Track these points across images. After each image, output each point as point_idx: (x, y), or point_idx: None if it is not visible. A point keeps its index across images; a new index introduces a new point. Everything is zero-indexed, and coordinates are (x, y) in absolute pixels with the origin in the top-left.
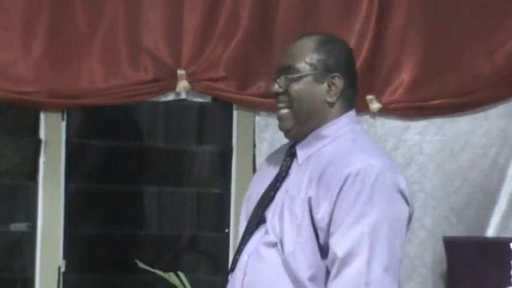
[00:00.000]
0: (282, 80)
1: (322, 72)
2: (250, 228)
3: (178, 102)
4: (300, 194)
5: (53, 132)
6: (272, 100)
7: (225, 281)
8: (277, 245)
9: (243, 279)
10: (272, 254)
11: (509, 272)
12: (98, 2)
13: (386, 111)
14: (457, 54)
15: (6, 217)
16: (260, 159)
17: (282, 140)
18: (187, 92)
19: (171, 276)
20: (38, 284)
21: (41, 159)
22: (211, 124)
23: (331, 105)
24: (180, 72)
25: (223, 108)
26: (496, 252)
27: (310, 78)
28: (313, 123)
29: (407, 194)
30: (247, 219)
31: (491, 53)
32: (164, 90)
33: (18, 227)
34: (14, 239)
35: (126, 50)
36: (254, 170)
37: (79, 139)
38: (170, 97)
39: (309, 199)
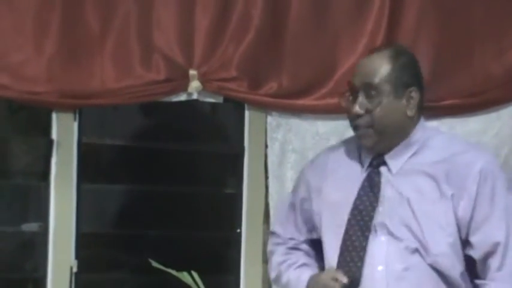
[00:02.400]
0: (362, 100)
1: (400, 88)
2: (359, 237)
3: (190, 102)
4: (431, 196)
5: (65, 132)
6: (284, 100)
7: None
8: (419, 250)
9: None
10: (415, 260)
11: None
12: (109, 2)
13: None
14: (468, 55)
15: (18, 217)
16: (272, 159)
17: (294, 140)
18: (199, 92)
19: (184, 276)
20: (50, 284)
21: (53, 160)
22: (223, 124)
23: (412, 118)
24: (192, 72)
25: (235, 108)
26: None
27: (391, 96)
28: (396, 137)
29: None
30: (334, 224)
31: (502, 53)
32: (176, 91)
33: (30, 227)
34: (25, 239)
35: (138, 50)
36: (266, 170)
37: (91, 139)
38: (182, 97)
39: (452, 196)
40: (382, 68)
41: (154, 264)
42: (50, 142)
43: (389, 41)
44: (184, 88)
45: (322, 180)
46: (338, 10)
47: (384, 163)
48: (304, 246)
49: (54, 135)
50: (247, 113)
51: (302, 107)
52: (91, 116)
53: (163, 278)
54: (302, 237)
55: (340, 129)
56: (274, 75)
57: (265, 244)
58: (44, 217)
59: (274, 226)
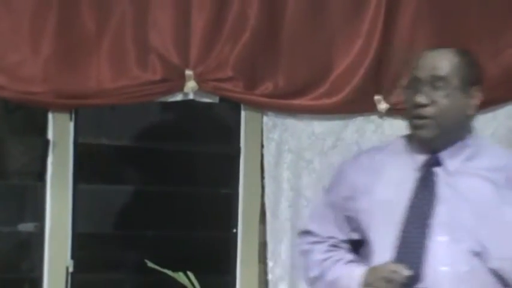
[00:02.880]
0: (427, 91)
1: (467, 84)
2: (417, 237)
3: (186, 102)
4: (493, 200)
5: (61, 132)
6: (280, 101)
7: None
8: (481, 253)
9: None
10: (477, 263)
11: None
12: (105, 3)
13: (394, 111)
14: None
15: (14, 217)
16: (268, 160)
17: (290, 140)
18: (195, 93)
19: (180, 276)
20: (46, 284)
21: (49, 160)
22: (219, 124)
23: (470, 118)
24: (188, 72)
25: (231, 108)
26: None
27: (457, 90)
28: (453, 135)
29: None
30: (384, 222)
31: (499, 53)
32: (172, 91)
33: (26, 227)
34: (22, 239)
35: (134, 51)
36: (262, 170)
37: (87, 139)
38: (178, 97)
39: None
40: (451, 61)
41: (150, 264)
42: (46, 142)
43: (385, 41)
44: (180, 88)
45: (369, 179)
46: (334, 10)
47: (439, 163)
48: (345, 245)
49: (50, 135)
50: (243, 113)
51: (298, 107)
52: (87, 116)
53: (159, 278)
54: (342, 237)
55: (336, 129)
56: (270, 75)
57: (261, 244)
58: (40, 217)
59: (309, 225)
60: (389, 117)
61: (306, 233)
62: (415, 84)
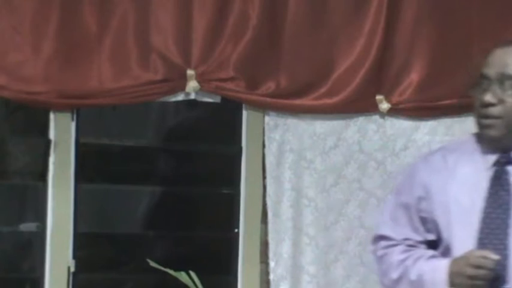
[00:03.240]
0: (495, 89)
1: None
2: (498, 234)
3: (188, 102)
4: None
5: (62, 132)
6: (281, 100)
7: None
8: None
9: None
10: None
11: None
12: (107, 3)
13: (396, 111)
14: (466, 54)
15: (16, 217)
16: (270, 159)
17: (292, 140)
18: (196, 92)
19: (182, 276)
20: (48, 284)
21: (51, 160)
22: (221, 124)
23: None
24: (190, 72)
25: (232, 108)
26: None
27: None
28: None
29: None
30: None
31: None
32: (174, 91)
33: (28, 227)
34: (23, 239)
35: (135, 50)
36: (264, 170)
37: (88, 139)
38: (180, 97)
39: None
40: None
41: (152, 264)
42: (48, 142)
43: (386, 41)
44: (182, 88)
45: (442, 179)
46: (335, 10)
47: (510, 162)
48: (422, 246)
49: (51, 135)
50: (245, 113)
51: (300, 107)
52: (89, 116)
53: (161, 278)
54: (419, 238)
55: (338, 129)
56: (272, 75)
57: (262, 244)
58: (41, 217)
59: (381, 230)
60: (391, 117)
61: (379, 238)
62: (483, 82)
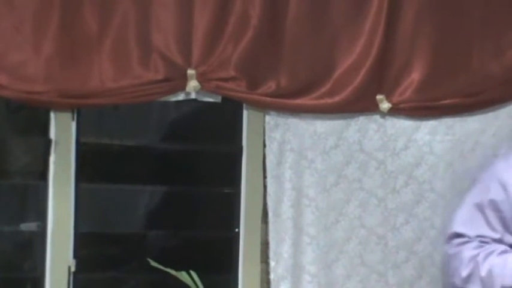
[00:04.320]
0: None
1: None
2: None
3: (188, 102)
4: None
5: (63, 132)
6: (282, 100)
7: None
8: None
9: None
10: None
11: None
12: (108, 2)
13: (397, 110)
14: (467, 54)
15: (16, 217)
16: (270, 159)
17: (292, 139)
18: (197, 92)
19: (183, 275)
20: (48, 283)
21: (51, 159)
22: (221, 124)
23: None
24: (190, 72)
25: (233, 107)
26: None
27: None
28: None
29: None
30: None
31: (501, 52)
32: (174, 90)
33: (29, 226)
34: (24, 238)
35: (136, 50)
36: (264, 170)
37: (89, 139)
38: (180, 97)
39: None
40: None
41: (153, 263)
42: (48, 142)
43: (387, 40)
44: (182, 88)
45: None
46: (336, 10)
47: None
48: (499, 244)
49: (52, 134)
50: (245, 113)
51: (300, 106)
52: (89, 116)
53: (161, 278)
54: (495, 235)
55: (338, 128)
56: (273, 74)
57: (263, 243)
58: (42, 216)
59: (456, 227)
60: (392, 116)
61: (453, 236)
62: None
